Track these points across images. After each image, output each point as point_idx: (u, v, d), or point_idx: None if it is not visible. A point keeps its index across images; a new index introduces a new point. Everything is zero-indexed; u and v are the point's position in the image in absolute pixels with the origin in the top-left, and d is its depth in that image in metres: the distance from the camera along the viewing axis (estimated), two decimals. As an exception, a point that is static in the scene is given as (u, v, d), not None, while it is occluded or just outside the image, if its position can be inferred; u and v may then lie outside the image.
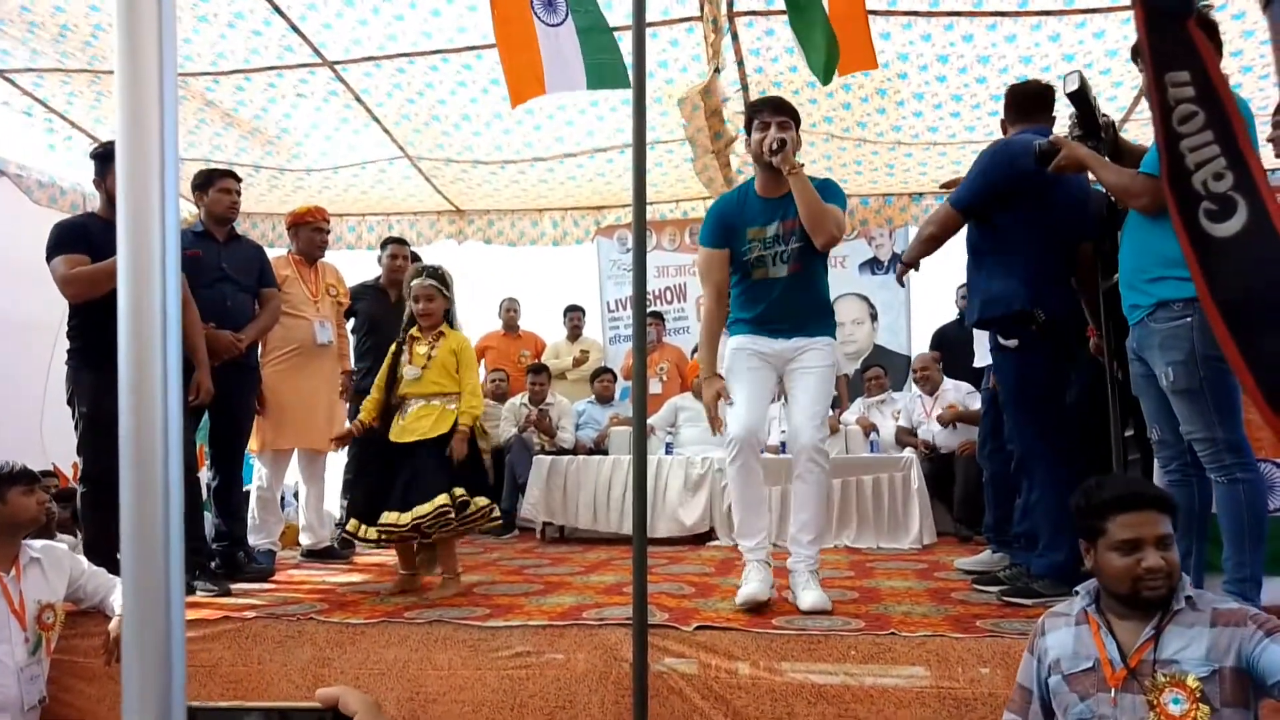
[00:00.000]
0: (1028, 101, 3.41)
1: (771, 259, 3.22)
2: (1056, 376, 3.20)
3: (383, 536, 3.45)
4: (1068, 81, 2.83)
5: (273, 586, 3.78)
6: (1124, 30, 4.31)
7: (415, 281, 3.70)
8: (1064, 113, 3.18)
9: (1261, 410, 0.52)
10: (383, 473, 3.55)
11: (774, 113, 3.14)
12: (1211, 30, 2.56)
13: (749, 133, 3.22)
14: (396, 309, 4.93)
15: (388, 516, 3.38)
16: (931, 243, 3.39)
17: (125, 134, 0.55)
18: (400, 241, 5.16)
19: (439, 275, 3.72)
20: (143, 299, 0.55)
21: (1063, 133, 3.05)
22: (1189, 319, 2.41)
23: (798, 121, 3.23)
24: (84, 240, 3.36)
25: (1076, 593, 1.97)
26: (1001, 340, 3.21)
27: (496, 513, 3.65)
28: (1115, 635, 1.81)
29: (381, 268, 5.05)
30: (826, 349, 3.27)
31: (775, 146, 3.06)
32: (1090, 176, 2.97)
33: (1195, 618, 1.74)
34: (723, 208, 3.35)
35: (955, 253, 3.57)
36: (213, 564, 3.76)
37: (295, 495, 5.38)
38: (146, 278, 0.55)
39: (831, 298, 3.43)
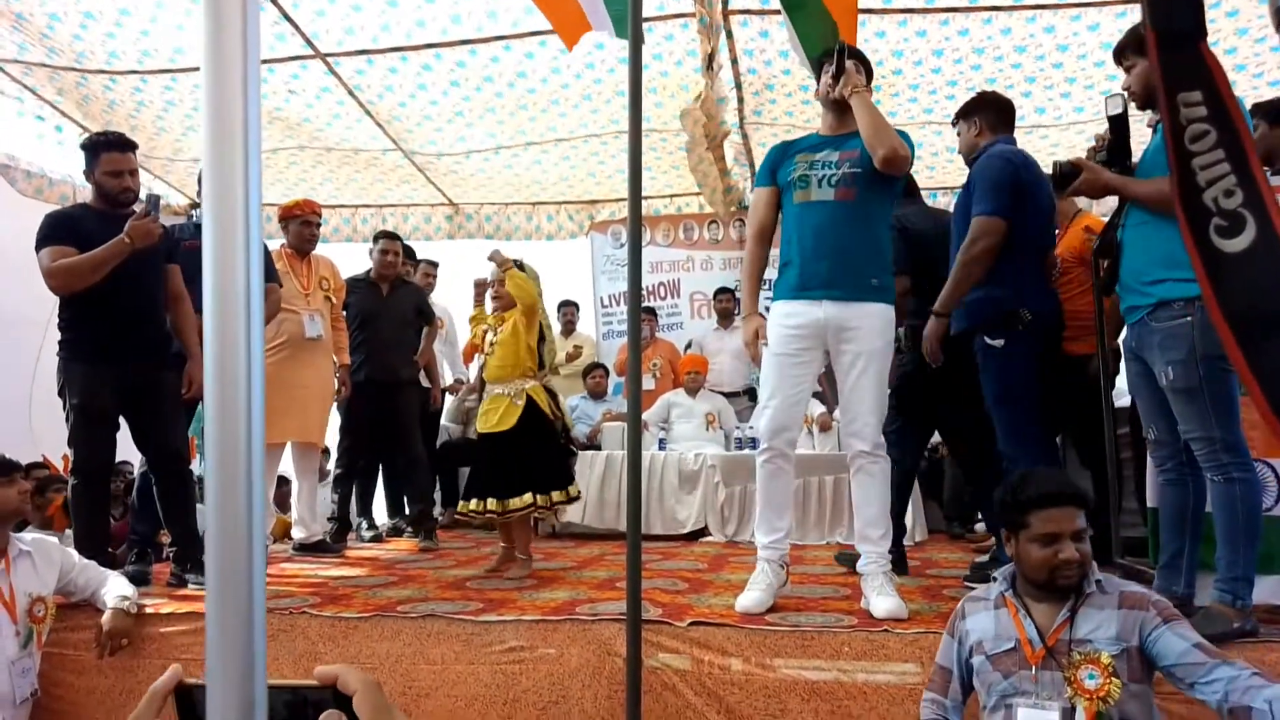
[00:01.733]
0: (1004, 113, 3.42)
1: (816, 179, 2.95)
2: (1039, 374, 3.22)
3: (474, 518, 3.75)
4: (1110, 104, 2.78)
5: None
6: (1118, 24, 4.32)
7: (493, 271, 3.89)
8: (1087, 130, 3.19)
9: (1266, 419, 0.52)
10: (477, 457, 3.87)
11: (841, 55, 3.00)
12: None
13: (818, 80, 3.11)
14: (387, 303, 4.93)
15: (483, 504, 3.67)
16: (983, 263, 3.18)
17: (210, 132, 0.55)
18: (392, 236, 5.14)
19: (517, 263, 3.87)
20: (227, 296, 0.55)
21: (1074, 153, 3.06)
22: (1189, 318, 2.42)
23: (869, 71, 3.09)
24: (71, 232, 3.32)
25: (994, 578, 2.11)
26: (988, 341, 3.22)
27: (575, 493, 3.86)
28: (1033, 617, 1.97)
29: (373, 261, 5.03)
30: (884, 323, 2.97)
31: (835, 71, 2.96)
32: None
33: (1105, 600, 1.91)
34: (777, 146, 3.20)
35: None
36: (203, 555, 3.73)
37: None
38: (231, 274, 0.55)
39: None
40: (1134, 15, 4.22)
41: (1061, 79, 4.93)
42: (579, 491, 3.93)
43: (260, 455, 0.57)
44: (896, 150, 2.84)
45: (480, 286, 4.07)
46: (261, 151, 0.57)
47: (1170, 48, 0.63)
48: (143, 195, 3.56)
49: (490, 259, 3.88)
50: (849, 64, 2.96)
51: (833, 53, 3.03)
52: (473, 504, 3.72)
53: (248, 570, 0.55)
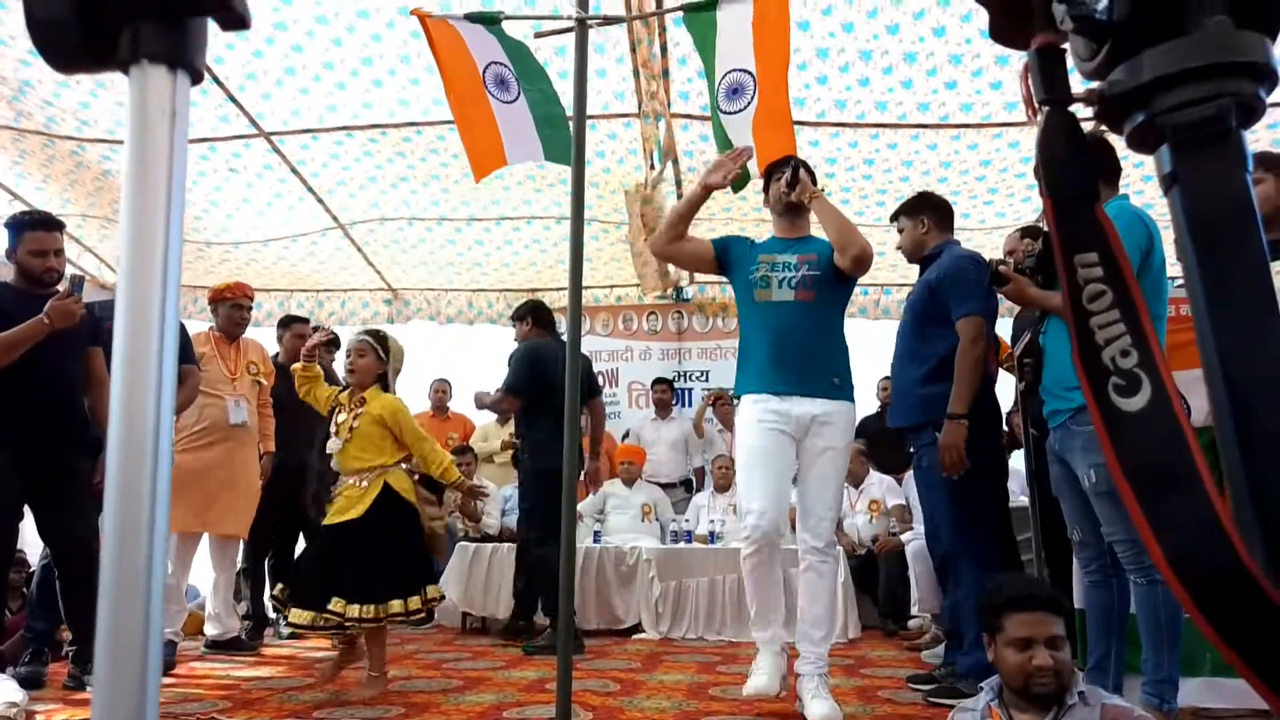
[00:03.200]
0: (947, 215, 3.57)
1: (777, 280, 3.01)
2: (991, 471, 3.27)
3: (316, 625, 3.16)
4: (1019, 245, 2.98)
5: (172, 681, 3.55)
6: (1034, 141, 4.58)
7: (352, 337, 3.55)
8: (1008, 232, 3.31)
9: (1166, 575, 0.54)
10: (320, 553, 3.35)
11: (786, 164, 3.10)
12: (1107, 149, 2.75)
13: (766, 192, 3.20)
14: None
15: (298, 615, 3.15)
16: (984, 361, 3.23)
17: (129, 208, 0.55)
18: (301, 320, 5.06)
19: (377, 334, 3.57)
20: (137, 377, 0.55)
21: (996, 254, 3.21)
22: None
23: (813, 176, 3.17)
24: None
25: (982, 688, 2.07)
26: (939, 436, 3.26)
27: (436, 596, 3.40)
28: None
29: (281, 347, 4.94)
30: (846, 423, 3.02)
31: (790, 178, 3.03)
32: None
33: (1087, 713, 1.86)
34: (740, 236, 3.32)
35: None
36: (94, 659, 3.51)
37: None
38: (143, 354, 0.55)
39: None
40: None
41: (984, 190, 5.20)
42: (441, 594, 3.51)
43: (161, 550, 0.54)
44: (865, 250, 2.94)
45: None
46: (182, 229, 0.56)
47: (1065, 213, 0.67)
48: (67, 275, 3.47)
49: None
50: (801, 172, 3.05)
51: (782, 164, 3.13)
52: (305, 615, 3.15)
53: (140, 681, 0.53)
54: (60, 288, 3.33)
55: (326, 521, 3.35)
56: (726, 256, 3.18)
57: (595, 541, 5.47)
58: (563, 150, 3.77)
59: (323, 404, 3.53)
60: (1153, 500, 0.60)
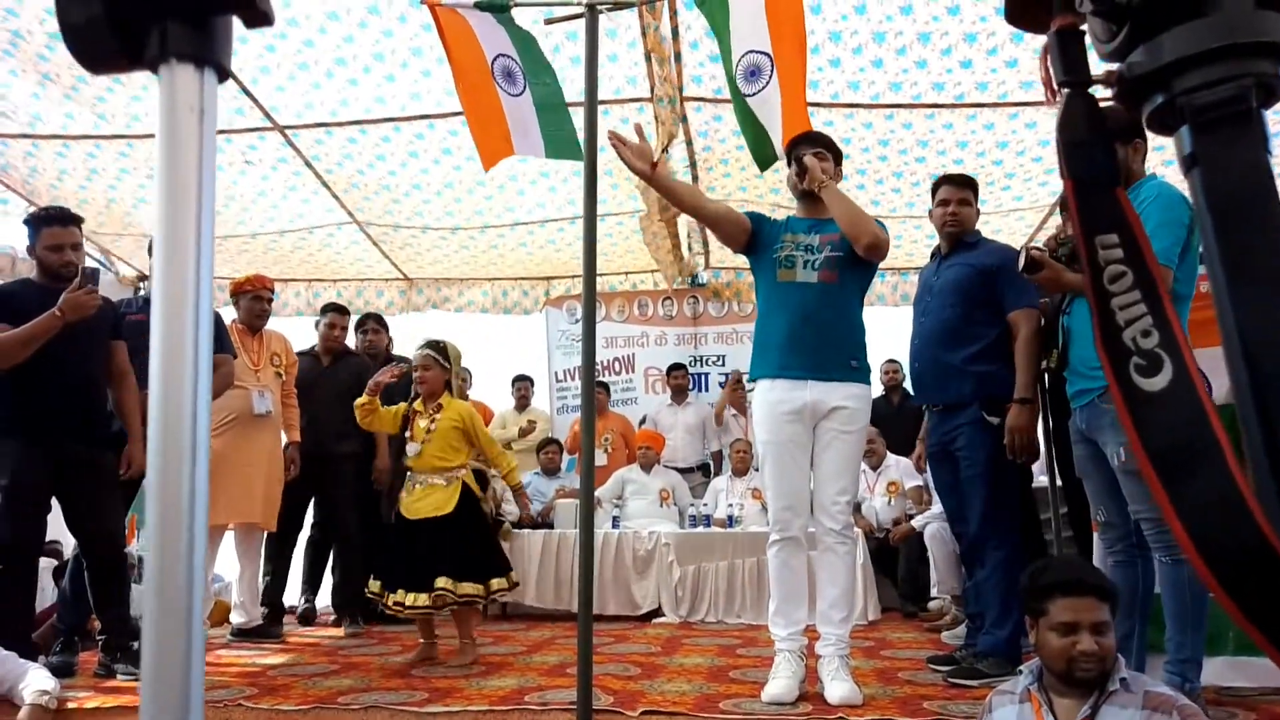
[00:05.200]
0: None
1: (801, 261, 3.02)
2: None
3: (434, 605, 3.57)
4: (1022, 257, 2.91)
5: (198, 669, 3.60)
6: (1054, 122, 4.53)
7: (415, 352, 3.84)
8: (1026, 217, 3.29)
9: (1190, 555, 0.54)
10: (396, 544, 3.69)
11: (807, 144, 3.10)
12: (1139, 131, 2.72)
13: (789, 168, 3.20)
14: (326, 375, 4.86)
15: (407, 597, 3.54)
16: (1040, 357, 3.28)
17: (163, 198, 0.56)
18: (340, 310, 5.12)
19: (439, 347, 3.83)
20: (173, 366, 0.55)
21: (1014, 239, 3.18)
22: None
23: (835, 154, 3.17)
24: (7, 308, 3.24)
25: (1020, 671, 2.06)
26: (987, 417, 3.25)
27: (511, 583, 3.80)
28: (1055, 713, 1.91)
29: (319, 335, 4.99)
30: (862, 405, 3.02)
31: (798, 170, 3.04)
32: None
33: (1129, 699, 1.85)
34: (768, 216, 3.31)
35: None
36: (135, 644, 3.57)
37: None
38: (179, 344, 0.55)
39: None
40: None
41: (1001, 174, 5.15)
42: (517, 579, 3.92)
43: (203, 538, 0.56)
44: (877, 236, 2.93)
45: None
46: (214, 221, 0.57)
47: (1086, 195, 0.67)
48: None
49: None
50: (808, 159, 3.03)
51: (794, 148, 3.11)
52: (407, 596, 3.58)
53: (185, 662, 0.54)
54: (74, 282, 3.36)
55: (418, 516, 3.66)
56: (759, 233, 3.16)
57: (614, 527, 5.50)
58: (565, 147, 3.78)
59: (390, 424, 3.84)
60: (1175, 480, 0.60)
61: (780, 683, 2.86)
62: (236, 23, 0.54)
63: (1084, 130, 0.72)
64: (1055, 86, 0.72)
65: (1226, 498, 0.58)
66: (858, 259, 3.00)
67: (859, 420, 3.01)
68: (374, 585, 3.71)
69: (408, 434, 3.77)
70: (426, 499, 3.69)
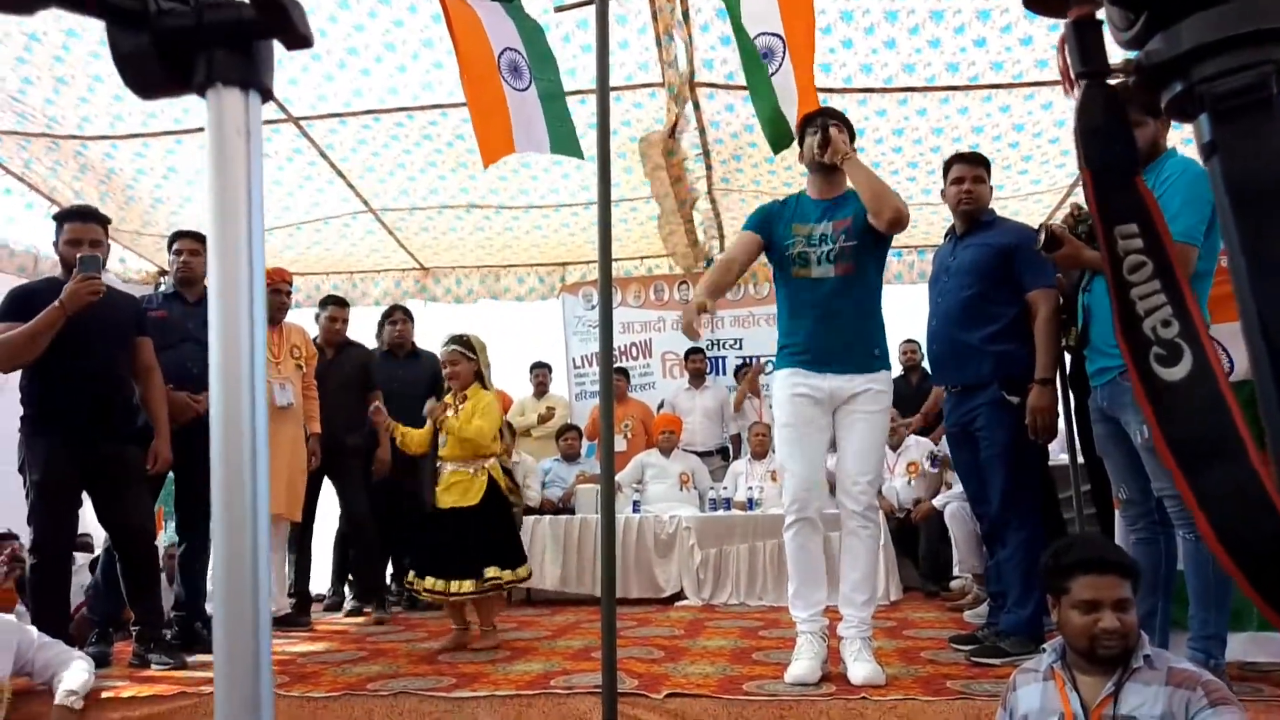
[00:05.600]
0: None
1: (816, 256, 2.99)
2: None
3: (435, 596, 3.74)
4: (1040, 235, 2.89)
5: (230, 658, 3.66)
6: (1070, 102, 4.47)
7: (441, 349, 3.95)
8: (1044, 199, 3.26)
9: (1213, 546, 0.55)
10: (429, 533, 3.86)
11: (823, 116, 3.07)
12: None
13: (801, 144, 3.15)
14: (333, 368, 4.91)
15: (436, 584, 3.68)
16: (1060, 336, 3.28)
17: (215, 197, 0.59)
18: (340, 301, 5.16)
19: (464, 341, 3.93)
20: (232, 374, 0.60)
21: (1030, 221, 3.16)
22: None
23: (851, 129, 3.12)
24: (25, 306, 3.26)
25: (1044, 649, 2.06)
26: (1007, 396, 3.25)
27: (528, 575, 3.96)
28: (1079, 690, 1.91)
29: (319, 328, 5.04)
30: (884, 389, 3.01)
31: (821, 140, 2.98)
32: None
33: (1153, 676, 1.85)
34: (770, 205, 3.23)
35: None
36: (168, 635, 3.64)
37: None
38: (236, 339, 0.59)
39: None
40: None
41: (1017, 157, 5.10)
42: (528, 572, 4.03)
43: (266, 526, 0.60)
44: (900, 211, 2.88)
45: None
46: (263, 236, 0.61)
47: (1105, 185, 0.67)
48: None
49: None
50: (832, 131, 2.98)
51: (814, 118, 3.08)
52: (434, 583, 3.70)
53: (254, 644, 0.58)
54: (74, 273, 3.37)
55: (451, 505, 3.79)
56: (769, 236, 3.11)
57: (635, 511, 5.53)
58: (569, 143, 3.80)
59: (422, 443, 4.01)
60: (1196, 470, 0.61)
61: (803, 664, 2.88)
62: (277, 45, 0.57)
63: (1102, 120, 0.73)
64: (1073, 77, 0.72)
65: (1247, 488, 0.59)
66: (873, 240, 2.98)
67: (882, 402, 3.00)
68: (411, 575, 3.85)
69: (441, 426, 3.89)
70: (455, 488, 3.80)
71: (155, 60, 0.54)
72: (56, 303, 3.16)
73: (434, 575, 3.71)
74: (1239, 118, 0.64)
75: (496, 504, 3.83)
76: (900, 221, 2.90)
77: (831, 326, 2.98)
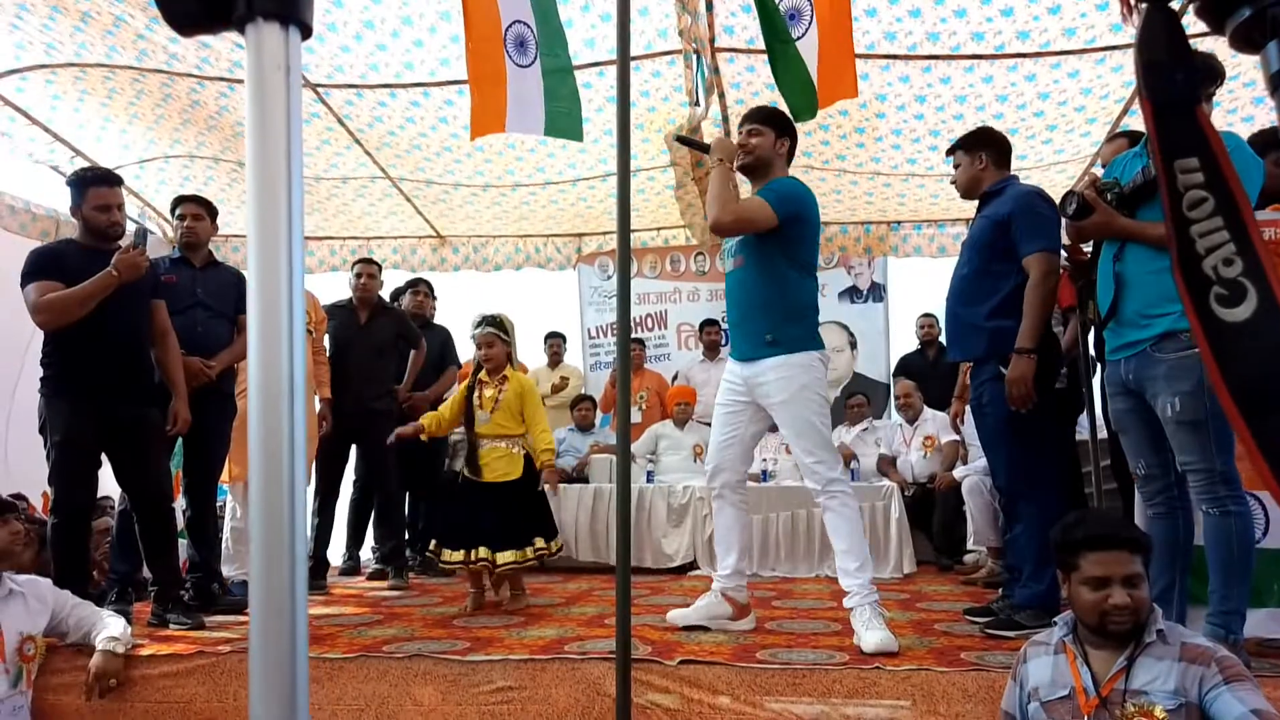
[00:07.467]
0: (1005, 153, 3.43)
1: (726, 252, 3.28)
2: (1051, 408, 3.21)
3: (469, 566, 3.83)
4: (1067, 202, 2.82)
5: (247, 619, 3.69)
6: (1097, 70, 4.39)
7: (476, 331, 4.04)
8: (1068, 169, 3.18)
9: (1273, 491, 0.52)
10: (465, 505, 3.91)
11: (743, 122, 3.26)
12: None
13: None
14: (363, 331, 4.89)
15: (480, 552, 3.75)
16: (1054, 297, 3.21)
17: (254, 164, 0.58)
18: (370, 262, 5.14)
19: (498, 323, 4.03)
20: (271, 336, 0.58)
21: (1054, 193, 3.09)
22: (1198, 350, 2.39)
23: (776, 126, 3.22)
24: (57, 267, 3.31)
25: (1055, 623, 2.05)
26: (1004, 371, 3.20)
27: (560, 546, 4.09)
28: (1090, 665, 1.90)
29: (352, 288, 5.03)
30: (786, 374, 3.07)
31: (709, 146, 3.16)
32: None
33: (1165, 651, 1.84)
34: None
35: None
36: (186, 595, 3.68)
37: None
38: (275, 314, 0.58)
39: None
40: (1111, 61, 4.31)
41: (1042, 126, 5.00)
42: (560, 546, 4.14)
43: (302, 486, 0.60)
44: (716, 218, 3.03)
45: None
46: (302, 173, 0.59)
47: (1166, 116, 0.63)
48: (130, 229, 3.54)
49: None
50: (713, 139, 3.18)
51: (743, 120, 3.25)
52: (509, 554, 3.80)
53: (290, 603, 0.62)
54: (122, 242, 3.41)
55: (496, 479, 3.89)
56: None
57: (649, 481, 5.53)
58: (567, 125, 3.74)
59: (450, 423, 4.09)
60: (1257, 414, 0.58)
61: (685, 610, 3.29)
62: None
63: (1163, 49, 0.69)
64: (1133, 2, 0.69)
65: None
66: (759, 237, 3.11)
67: (786, 388, 3.07)
68: (438, 546, 3.92)
69: (476, 403, 3.97)
70: (499, 463, 3.91)
71: None
72: (112, 269, 3.25)
73: (481, 545, 3.77)
74: (1311, 45, 0.60)
75: (533, 479, 3.94)
76: (718, 229, 3.11)
77: (734, 318, 3.28)
